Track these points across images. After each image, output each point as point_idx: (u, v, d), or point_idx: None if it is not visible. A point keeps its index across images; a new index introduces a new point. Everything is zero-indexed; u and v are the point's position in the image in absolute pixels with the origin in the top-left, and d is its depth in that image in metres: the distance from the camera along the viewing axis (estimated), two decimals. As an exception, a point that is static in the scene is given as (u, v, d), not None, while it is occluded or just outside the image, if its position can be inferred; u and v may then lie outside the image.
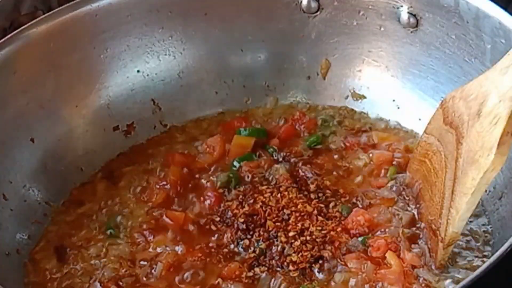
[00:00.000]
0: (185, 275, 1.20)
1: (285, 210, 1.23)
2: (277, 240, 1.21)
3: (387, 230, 1.20)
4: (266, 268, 1.19)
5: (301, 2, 1.42)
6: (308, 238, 1.19)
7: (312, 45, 1.44)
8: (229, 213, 1.26)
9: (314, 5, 1.41)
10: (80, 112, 1.39)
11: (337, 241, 1.19)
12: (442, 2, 1.29)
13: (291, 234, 1.20)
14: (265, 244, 1.21)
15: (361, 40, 1.41)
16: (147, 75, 1.44)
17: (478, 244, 1.18)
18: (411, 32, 1.35)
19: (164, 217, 1.28)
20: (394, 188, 1.26)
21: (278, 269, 1.18)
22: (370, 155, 1.33)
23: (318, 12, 1.42)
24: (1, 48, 1.30)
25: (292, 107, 1.45)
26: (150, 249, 1.24)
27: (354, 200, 1.26)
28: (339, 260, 1.18)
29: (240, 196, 1.28)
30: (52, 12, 1.37)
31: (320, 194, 1.27)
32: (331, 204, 1.25)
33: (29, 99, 1.33)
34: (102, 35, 1.39)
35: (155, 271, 1.21)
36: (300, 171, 1.31)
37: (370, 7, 1.38)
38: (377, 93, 1.42)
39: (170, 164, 1.36)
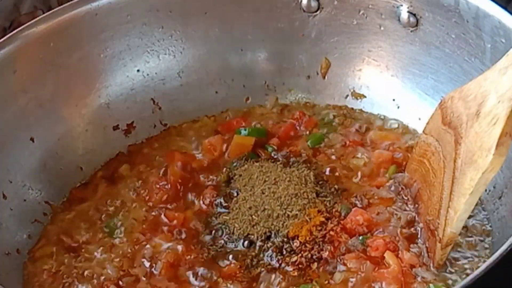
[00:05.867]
0: (185, 275, 1.20)
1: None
2: (276, 240, 1.21)
3: (385, 229, 1.20)
4: (265, 268, 1.19)
5: (301, 1, 1.42)
6: (307, 238, 1.20)
7: (312, 45, 1.44)
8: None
9: (314, 4, 1.41)
10: (80, 112, 1.39)
11: (336, 241, 1.19)
12: (442, 1, 1.29)
13: (290, 234, 1.20)
14: (264, 244, 1.21)
15: (361, 39, 1.41)
16: (147, 74, 1.44)
17: (478, 243, 1.18)
18: (411, 31, 1.35)
19: (164, 216, 1.28)
20: (392, 188, 1.26)
21: (278, 268, 1.19)
22: (370, 154, 1.33)
23: (318, 12, 1.42)
24: (1, 48, 1.30)
25: (292, 107, 1.45)
26: (150, 249, 1.24)
27: (353, 200, 1.26)
28: (338, 260, 1.18)
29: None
30: (52, 12, 1.37)
31: (320, 194, 1.27)
32: (331, 204, 1.25)
33: (29, 99, 1.33)
34: (102, 34, 1.39)
35: (155, 270, 1.21)
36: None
37: (370, 6, 1.37)
38: (377, 93, 1.42)
39: (170, 163, 1.36)
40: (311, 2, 1.41)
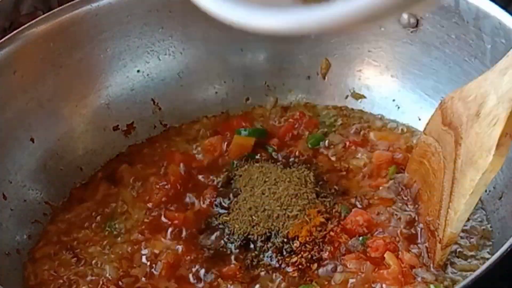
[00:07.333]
0: (185, 275, 1.20)
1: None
2: (276, 241, 1.21)
3: (385, 230, 1.20)
4: (265, 269, 1.19)
5: (301, 1, 1.41)
6: (307, 238, 1.19)
7: (312, 45, 1.43)
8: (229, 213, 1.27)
9: (314, 5, 1.41)
10: (80, 112, 1.39)
11: (336, 241, 1.19)
12: (442, 2, 1.28)
13: (290, 234, 1.20)
14: (264, 244, 1.21)
15: (361, 40, 1.40)
16: (147, 75, 1.44)
17: (478, 244, 1.18)
18: (411, 32, 1.35)
19: (164, 216, 1.28)
20: (392, 188, 1.26)
21: (278, 269, 1.19)
22: (370, 155, 1.33)
23: (318, 12, 1.41)
24: (1, 48, 1.30)
25: (292, 107, 1.45)
26: (150, 249, 1.24)
27: (353, 200, 1.26)
28: (338, 260, 1.18)
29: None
30: (52, 12, 1.37)
31: (320, 194, 1.27)
32: (331, 204, 1.25)
33: (29, 99, 1.33)
34: (102, 35, 1.39)
35: (155, 270, 1.21)
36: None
37: (370, 7, 1.37)
38: (377, 93, 1.42)
39: (170, 163, 1.36)
40: (311, 2, 1.41)
